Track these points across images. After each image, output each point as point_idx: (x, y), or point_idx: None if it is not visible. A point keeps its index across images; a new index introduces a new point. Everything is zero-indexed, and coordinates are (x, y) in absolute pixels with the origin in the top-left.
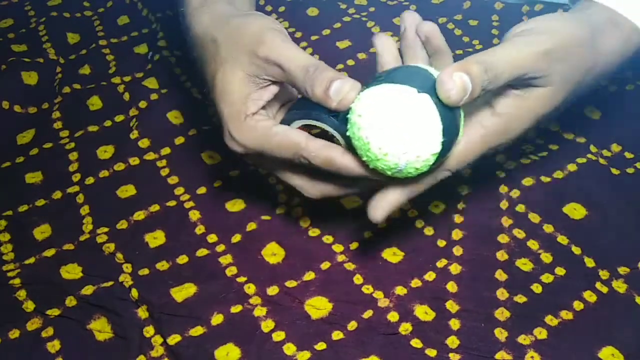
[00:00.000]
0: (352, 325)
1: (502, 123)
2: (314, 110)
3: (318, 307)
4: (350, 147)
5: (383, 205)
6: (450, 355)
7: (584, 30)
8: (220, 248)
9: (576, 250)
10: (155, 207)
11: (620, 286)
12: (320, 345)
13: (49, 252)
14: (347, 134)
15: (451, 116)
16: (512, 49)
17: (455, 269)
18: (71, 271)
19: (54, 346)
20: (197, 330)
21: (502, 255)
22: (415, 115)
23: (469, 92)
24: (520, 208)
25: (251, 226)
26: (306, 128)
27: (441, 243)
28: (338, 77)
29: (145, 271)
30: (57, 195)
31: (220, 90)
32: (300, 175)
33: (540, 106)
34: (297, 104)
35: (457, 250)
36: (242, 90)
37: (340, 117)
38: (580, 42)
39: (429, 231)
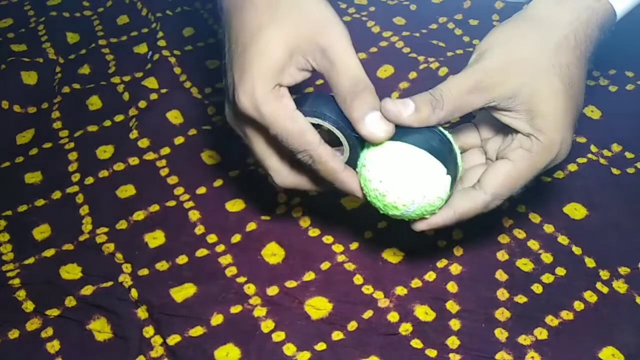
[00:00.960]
0: (352, 325)
1: (536, 141)
2: (330, 114)
3: (318, 307)
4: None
5: (430, 221)
6: (451, 355)
7: (528, 21)
8: (220, 248)
9: (577, 250)
10: (154, 207)
11: (620, 286)
12: (320, 346)
13: (49, 252)
14: (357, 170)
15: (449, 157)
16: (461, 72)
17: (455, 269)
18: (71, 271)
19: (53, 346)
20: (197, 331)
21: (502, 256)
22: (421, 172)
23: (412, 108)
24: (521, 208)
25: (251, 226)
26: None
27: (441, 243)
28: (378, 107)
29: (144, 271)
30: (57, 195)
31: (264, 44)
32: (281, 161)
33: (546, 98)
34: (311, 99)
35: (458, 251)
36: (284, 58)
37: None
38: (527, 33)
39: (429, 231)
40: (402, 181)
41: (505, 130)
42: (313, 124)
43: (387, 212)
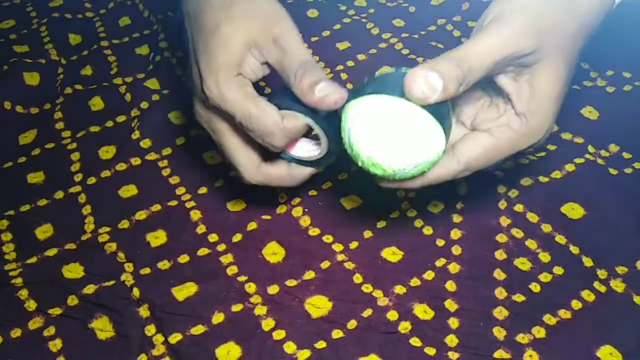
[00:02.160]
0: (352, 324)
1: (525, 122)
2: (295, 103)
3: (318, 306)
4: (332, 143)
5: (397, 182)
6: (449, 353)
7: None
8: (221, 247)
9: (574, 249)
10: (156, 207)
11: (618, 285)
12: (320, 344)
13: (51, 252)
14: (341, 137)
15: (440, 114)
16: (485, 37)
17: (454, 268)
18: (73, 270)
19: (55, 345)
20: (198, 329)
21: (500, 255)
22: (409, 126)
23: (439, 90)
24: (519, 208)
25: (252, 226)
26: None
27: (440, 242)
28: (327, 79)
29: (146, 270)
30: (59, 195)
31: (223, 39)
32: (249, 156)
33: (551, 82)
34: (276, 96)
35: (456, 250)
36: (243, 50)
37: (324, 116)
38: (556, 9)
39: (428, 230)
40: (396, 145)
41: (486, 96)
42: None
43: (370, 172)
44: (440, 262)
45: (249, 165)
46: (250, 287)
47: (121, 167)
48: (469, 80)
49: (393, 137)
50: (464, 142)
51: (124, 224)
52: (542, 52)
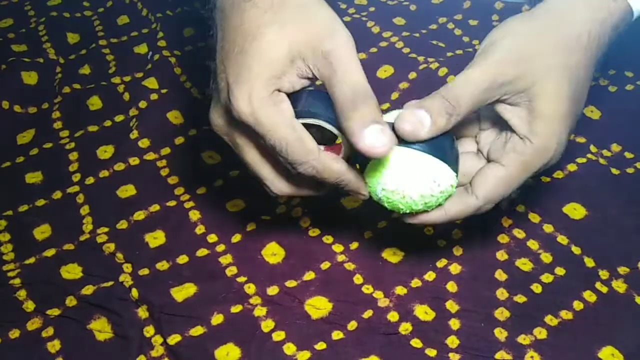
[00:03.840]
0: (352, 325)
1: (535, 143)
2: (326, 111)
3: (318, 307)
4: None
5: (422, 218)
6: (450, 355)
7: (543, 17)
8: (220, 248)
9: (576, 250)
10: (155, 207)
11: (620, 286)
12: (320, 345)
13: (49, 252)
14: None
15: (442, 149)
16: (470, 68)
17: (455, 268)
18: (71, 271)
19: (54, 346)
20: (197, 330)
21: (502, 255)
22: (429, 174)
23: (428, 124)
24: (520, 208)
25: (251, 226)
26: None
27: (441, 243)
28: (380, 122)
29: (145, 271)
30: (57, 195)
31: (262, 48)
32: (275, 170)
33: (551, 101)
34: (304, 98)
35: (457, 250)
36: (285, 62)
37: None
38: (543, 30)
39: (429, 231)
40: (409, 184)
41: (500, 124)
42: (303, 124)
43: (392, 209)
44: (441, 263)
45: (276, 180)
46: (250, 288)
47: (119, 166)
48: (458, 111)
49: (393, 181)
50: (479, 177)
51: (123, 225)
52: (529, 76)
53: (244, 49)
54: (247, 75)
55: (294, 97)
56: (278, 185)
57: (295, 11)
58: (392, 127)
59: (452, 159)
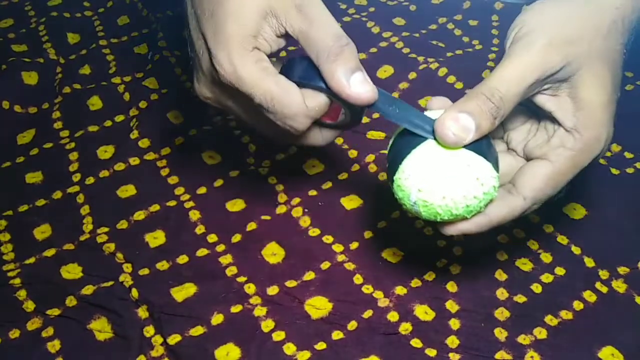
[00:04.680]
0: (352, 325)
1: (581, 136)
2: (313, 76)
3: (318, 306)
4: (355, 114)
5: (463, 227)
6: (450, 355)
7: (575, 6)
8: (221, 248)
9: (576, 250)
10: (155, 207)
11: (620, 286)
12: (320, 345)
13: (49, 252)
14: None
15: (481, 149)
16: (510, 63)
17: (455, 269)
18: (71, 271)
19: (54, 346)
20: (197, 330)
21: (502, 255)
22: (466, 168)
23: (472, 130)
24: None
25: (251, 226)
26: None
27: (441, 243)
28: (361, 68)
29: (145, 271)
30: (58, 195)
31: (233, 5)
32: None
33: (594, 89)
34: (295, 66)
35: (457, 250)
36: (258, 19)
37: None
38: (579, 14)
39: (428, 231)
40: (450, 184)
41: (533, 119)
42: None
43: (429, 218)
44: (441, 263)
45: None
46: (250, 288)
47: (120, 166)
48: (504, 112)
49: (432, 181)
50: (524, 176)
51: (123, 224)
52: (574, 63)
53: (215, 12)
54: (223, 37)
55: (283, 69)
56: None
57: None
58: (432, 124)
59: (492, 158)
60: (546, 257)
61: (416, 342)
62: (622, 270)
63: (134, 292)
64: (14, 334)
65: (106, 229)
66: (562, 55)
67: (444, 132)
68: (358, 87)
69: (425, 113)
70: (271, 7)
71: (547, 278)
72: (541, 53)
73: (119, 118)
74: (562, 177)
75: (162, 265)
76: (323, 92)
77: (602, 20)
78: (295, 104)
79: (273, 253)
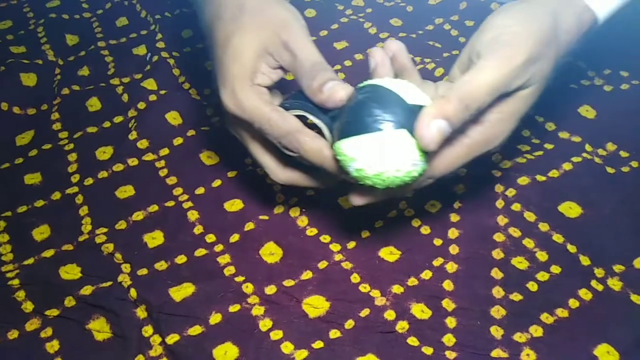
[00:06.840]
0: (349, 323)
1: (486, 131)
2: (309, 103)
3: (315, 305)
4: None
5: (366, 196)
6: (447, 353)
7: (548, 21)
8: (219, 248)
9: (572, 248)
10: (154, 208)
11: (615, 284)
12: (318, 344)
13: (48, 253)
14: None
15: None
16: (492, 70)
17: (451, 267)
18: (70, 271)
19: (53, 346)
20: (196, 330)
21: (498, 254)
22: (396, 151)
23: (447, 131)
24: (516, 207)
25: (249, 226)
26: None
27: (437, 242)
28: (335, 79)
29: (144, 271)
30: (56, 196)
31: (234, 51)
32: (273, 158)
33: (523, 106)
34: (292, 97)
35: (454, 249)
36: (255, 59)
37: (331, 116)
38: (549, 37)
39: (425, 230)
40: (374, 159)
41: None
42: (299, 117)
43: (376, 184)
44: (437, 262)
45: (275, 168)
46: (248, 288)
47: (118, 167)
48: (473, 112)
49: (369, 152)
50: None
51: (121, 225)
52: (532, 79)
53: (221, 58)
54: (228, 76)
55: (286, 99)
56: (276, 173)
57: (252, 15)
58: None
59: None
60: (542, 256)
61: (413, 341)
62: (618, 268)
63: (133, 292)
64: (13, 334)
65: (105, 230)
66: (531, 74)
67: (425, 134)
68: (330, 90)
69: (372, 81)
70: (265, 47)
71: (542, 276)
72: (520, 69)
73: (118, 119)
74: (455, 160)
75: (161, 265)
76: (309, 114)
77: (556, 46)
78: (287, 123)
79: (271, 253)
